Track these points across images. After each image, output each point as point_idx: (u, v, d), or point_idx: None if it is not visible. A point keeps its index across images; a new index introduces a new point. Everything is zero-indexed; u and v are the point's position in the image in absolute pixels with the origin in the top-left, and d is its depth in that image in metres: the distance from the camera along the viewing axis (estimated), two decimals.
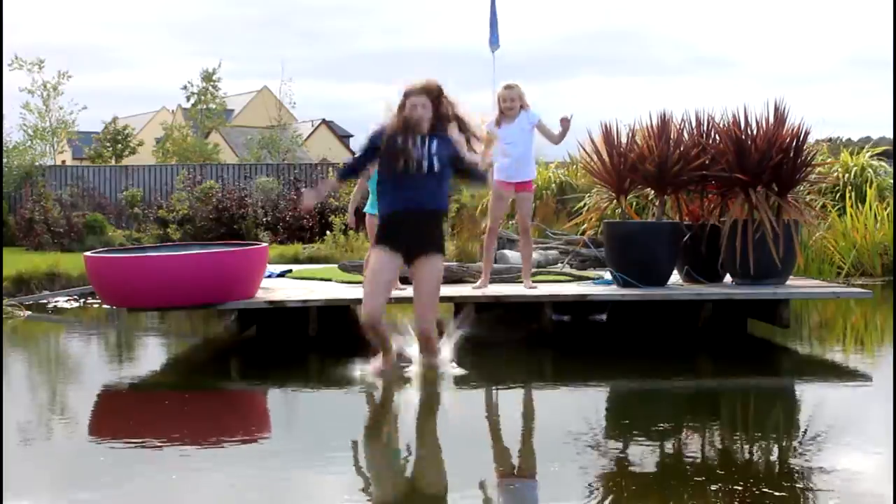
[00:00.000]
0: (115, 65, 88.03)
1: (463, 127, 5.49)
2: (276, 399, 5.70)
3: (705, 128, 8.00)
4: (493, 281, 7.95)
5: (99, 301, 9.52)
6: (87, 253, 7.48)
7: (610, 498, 3.59)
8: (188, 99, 34.96)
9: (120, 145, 33.43)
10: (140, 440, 4.45)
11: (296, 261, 12.58)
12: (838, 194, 13.11)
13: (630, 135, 8.09)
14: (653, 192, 8.30)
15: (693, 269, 7.94)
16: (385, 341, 5.58)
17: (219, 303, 6.97)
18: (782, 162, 7.61)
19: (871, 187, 13.00)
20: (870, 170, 13.74)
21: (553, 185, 15.11)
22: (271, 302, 7.13)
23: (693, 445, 4.31)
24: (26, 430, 4.69)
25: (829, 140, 14.31)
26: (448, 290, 7.88)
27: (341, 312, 7.96)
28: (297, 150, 31.16)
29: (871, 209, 12.46)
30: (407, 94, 5.41)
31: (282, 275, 9.34)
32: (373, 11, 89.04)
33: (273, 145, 29.61)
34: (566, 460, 4.02)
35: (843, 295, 8.26)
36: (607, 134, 8.03)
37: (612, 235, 7.86)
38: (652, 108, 13.44)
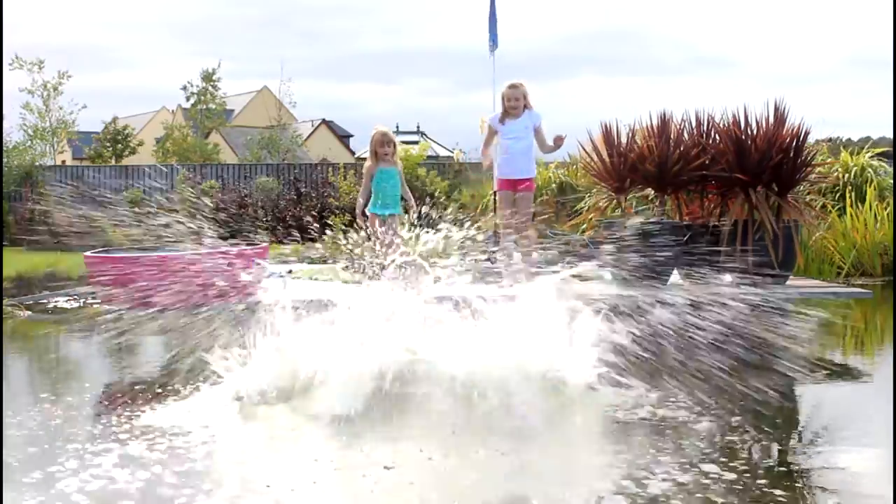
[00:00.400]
0: (115, 65, 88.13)
1: None
2: None
3: (705, 128, 8.01)
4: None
5: (99, 301, 9.52)
6: (87, 253, 7.48)
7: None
8: (188, 99, 34.98)
9: (120, 145, 33.43)
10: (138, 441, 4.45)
11: (296, 261, 12.56)
12: (838, 194, 13.10)
13: (630, 135, 8.10)
14: (653, 192, 8.30)
15: (693, 269, 7.94)
16: None
17: (219, 303, 6.96)
18: (782, 162, 7.61)
19: (871, 187, 12.99)
20: (870, 170, 13.73)
21: (553, 185, 15.11)
22: (271, 302, 7.12)
23: (693, 445, 4.31)
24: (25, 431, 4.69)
25: (829, 140, 14.30)
26: (449, 291, 7.89)
27: None
28: (297, 150, 31.17)
29: (871, 209, 12.45)
30: None
31: (282, 275, 9.33)
32: (373, 11, 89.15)
33: (273, 145, 29.62)
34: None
35: (843, 295, 8.26)
36: (607, 134, 8.04)
37: (612, 235, 7.86)
38: (652, 108, 13.45)
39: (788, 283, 7.82)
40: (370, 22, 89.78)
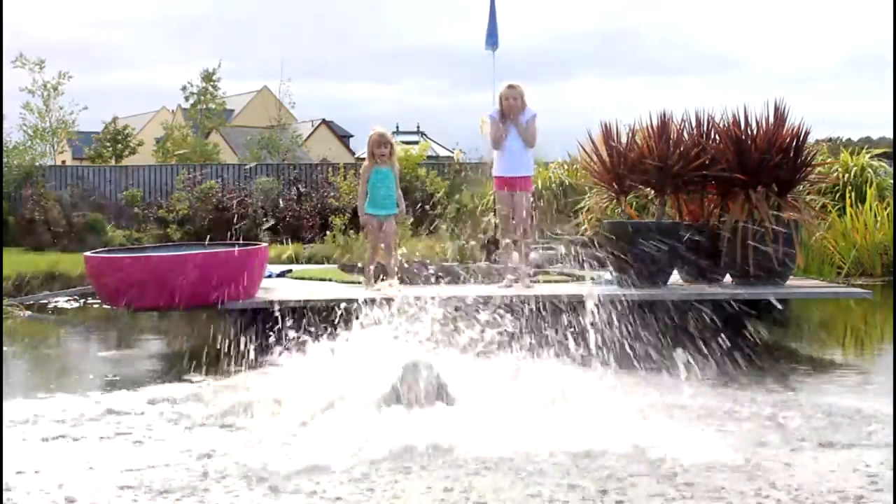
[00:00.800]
0: (115, 65, 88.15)
1: None
2: None
3: (705, 128, 8.01)
4: (491, 281, 8.00)
5: (99, 301, 9.52)
6: (87, 253, 7.49)
7: None
8: (188, 99, 34.97)
9: (120, 145, 33.44)
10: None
11: (296, 261, 12.58)
12: (838, 194, 13.11)
13: (630, 135, 8.10)
14: (653, 192, 8.31)
15: (693, 269, 7.95)
16: None
17: (219, 303, 6.98)
18: (782, 162, 7.62)
19: (871, 187, 12.99)
20: (870, 170, 13.74)
21: (553, 185, 15.11)
22: (271, 302, 7.13)
23: (692, 444, 4.30)
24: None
25: (829, 140, 14.31)
26: (449, 290, 7.90)
27: None
28: (296, 150, 31.17)
29: (871, 209, 12.46)
30: None
31: (282, 275, 9.34)
32: (373, 11, 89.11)
33: (273, 145, 29.63)
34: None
35: (843, 295, 8.27)
36: (607, 134, 8.05)
37: (612, 235, 7.87)
38: (652, 108, 13.44)
39: (788, 282, 7.82)
40: (370, 22, 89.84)
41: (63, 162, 30.25)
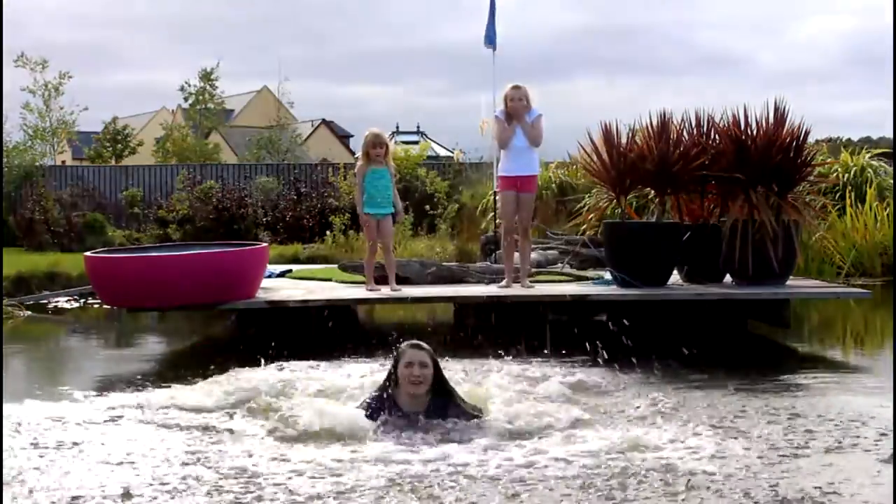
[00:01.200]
0: (115, 65, 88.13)
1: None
2: None
3: (705, 128, 8.01)
4: (491, 281, 8.00)
5: (99, 301, 9.53)
6: (87, 253, 7.49)
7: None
8: (186, 99, 34.94)
9: (120, 145, 33.42)
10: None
11: (296, 261, 12.58)
12: (838, 194, 13.11)
13: (630, 135, 8.10)
14: (653, 192, 8.31)
15: (693, 269, 7.95)
16: None
17: (219, 303, 6.98)
18: (782, 162, 7.62)
19: (871, 187, 12.99)
20: (870, 170, 13.74)
21: (553, 185, 15.11)
22: (271, 302, 7.14)
23: (692, 444, 4.30)
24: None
25: (829, 140, 14.32)
26: (448, 290, 7.91)
27: (341, 312, 7.96)
28: (296, 150, 31.18)
29: (871, 209, 12.46)
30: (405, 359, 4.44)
31: (282, 275, 9.34)
32: (373, 11, 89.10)
33: (273, 145, 29.63)
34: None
35: (843, 295, 8.27)
36: (607, 134, 8.04)
37: (612, 235, 7.87)
38: (652, 108, 13.44)
39: (788, 282, 7.82)
40: (370, 22, 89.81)
41: (63, 162, 30.25)
